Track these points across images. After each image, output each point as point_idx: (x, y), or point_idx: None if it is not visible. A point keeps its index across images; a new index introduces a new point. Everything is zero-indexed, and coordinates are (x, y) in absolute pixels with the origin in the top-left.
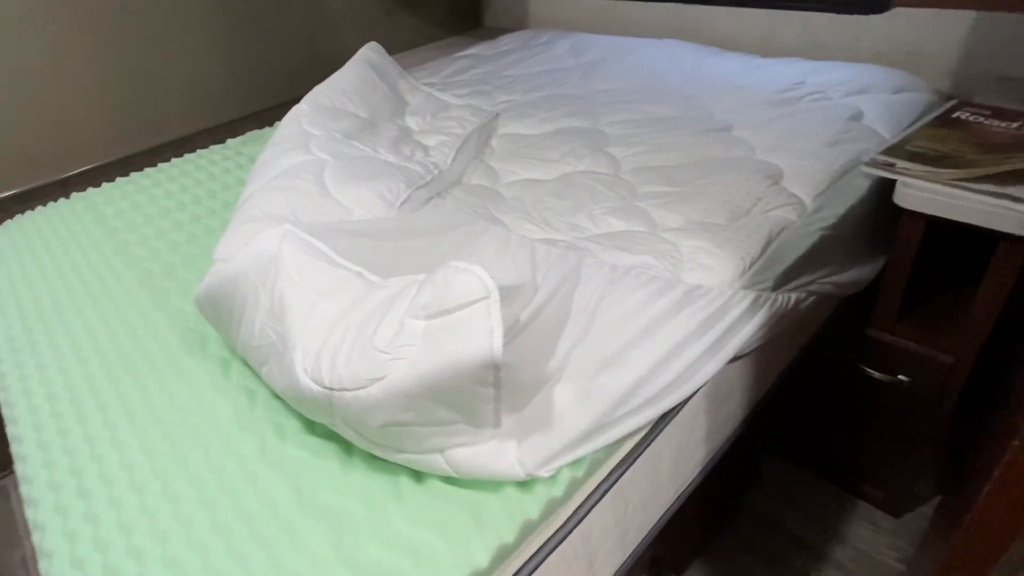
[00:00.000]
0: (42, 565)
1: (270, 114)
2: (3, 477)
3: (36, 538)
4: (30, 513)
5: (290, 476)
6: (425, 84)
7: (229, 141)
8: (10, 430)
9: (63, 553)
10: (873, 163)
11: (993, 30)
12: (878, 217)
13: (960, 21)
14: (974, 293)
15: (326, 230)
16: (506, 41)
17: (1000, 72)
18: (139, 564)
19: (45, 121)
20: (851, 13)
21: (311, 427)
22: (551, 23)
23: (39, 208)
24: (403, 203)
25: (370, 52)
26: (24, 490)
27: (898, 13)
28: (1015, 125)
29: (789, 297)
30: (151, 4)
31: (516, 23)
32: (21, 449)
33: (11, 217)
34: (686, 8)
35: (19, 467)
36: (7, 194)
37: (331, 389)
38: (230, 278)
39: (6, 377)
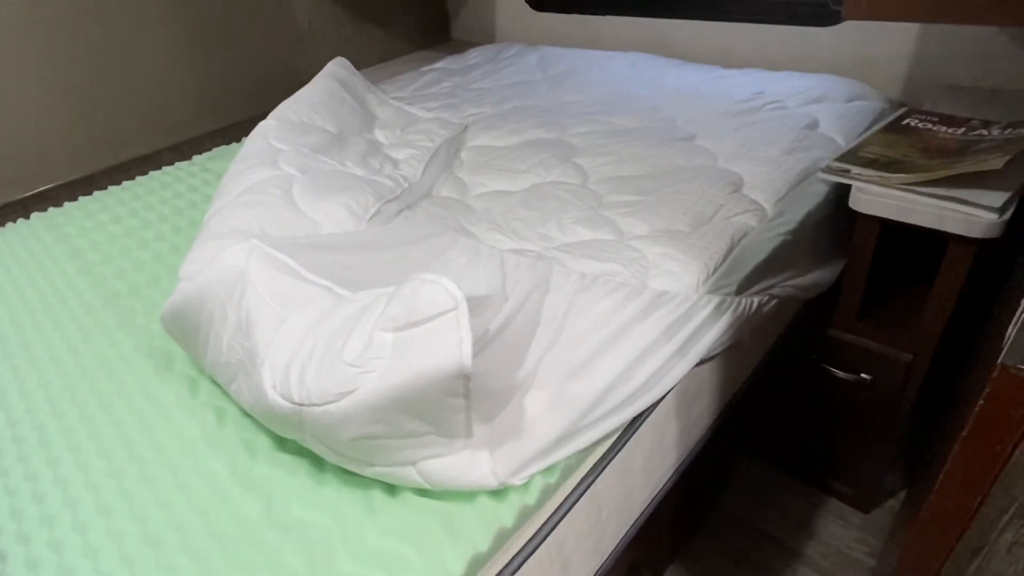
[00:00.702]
0: None
1: (236, 129)
2: None
3: None
4: None
5: (261, 493)
6: (394, 98)
7: (195, 157)
8: None
9: None
10: (829, 169)
11: (940, 40)
12: (836, 221)
13: (908, 32)
14: (928, 292)
15: (294, 245)
16: (474, 54)
17: (947, 80)
18: None
19: (3, 139)
20: (807, 25)
21: (282, 444)
22: (518, 37)
23: None
24: (372, 216)
25: (337, 67)
26: None
27: (849, 25)
28: (961, 131)
29: (752, 301)
30: (114, 18)
31: (484, 37)
32: None
33: None
34: (649, 23)
35: None
36: None
37: (300, 404)
38: (196, 295)
39: None
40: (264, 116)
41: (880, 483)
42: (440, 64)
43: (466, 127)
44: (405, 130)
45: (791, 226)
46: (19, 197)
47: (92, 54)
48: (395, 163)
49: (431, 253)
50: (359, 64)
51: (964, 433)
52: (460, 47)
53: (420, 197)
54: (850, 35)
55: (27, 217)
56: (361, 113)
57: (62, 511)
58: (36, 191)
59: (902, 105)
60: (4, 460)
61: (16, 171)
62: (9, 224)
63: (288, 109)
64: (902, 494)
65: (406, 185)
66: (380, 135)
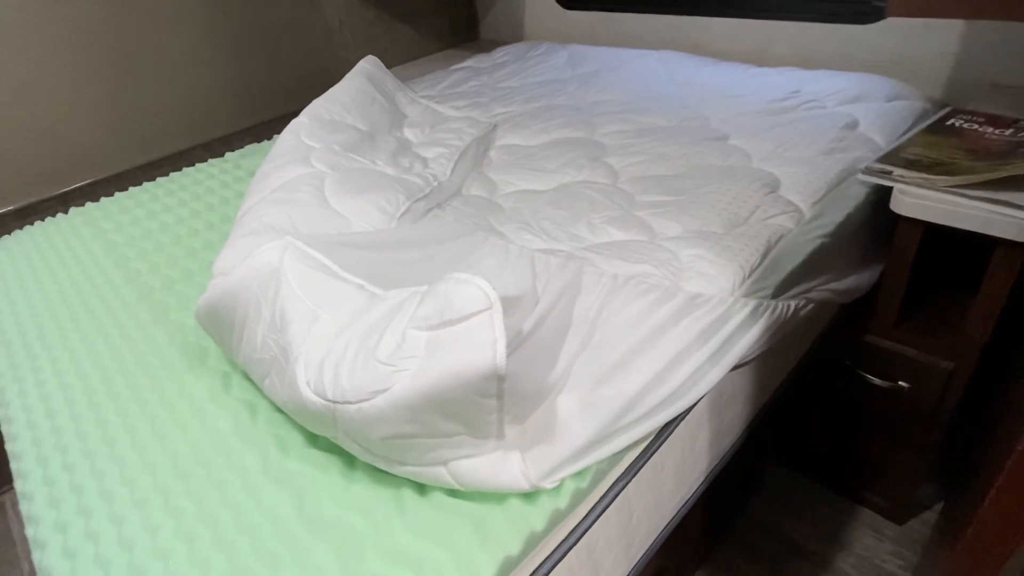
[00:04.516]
0: None
1: (269, 127)
2: (3, 493)
3: (36, 556)
4: (30, 531)
5: (292, 490)
6: (423, 96)
7: (228, 155)
8: (9, 447)
9: (63, 571)
10: (869, 170)
11: (984, 38)
12: (875, 224)
13: (952, 29)
14: (972, 298)
15: (327, 242)
16: (503, 53)
17: (993, 79)
18: None
19: (43, 136)
20: (846, 23)
21: (313, 440)
22: (547, 35)
23: (38, 223)
24: (402, 215)
25: (368, 65)
26: (24, 507)
27: (890, 22)
28: (1008, 132)
29: (789, 305)
30: (150, 18)
31: (512, 35)
32: (21, 466)
33: (9, 232)
34: (681, 20)
35: (19, 484)
36: (6, 209)
37: (334, 402)
38: (231, 291)
39: (5, 393)
40: (296, 114)
41: (915, 494)
42: (468, 63)
43: (495, 126)
44: (434, 129)
45: (829, 228)
46: (58, 192)
47: (129, 54)
48: (425, 162)
49: (461, 252)
50: (388, 63)
51: (1021, 447)
52: (488, 46)
53: (449, 196)
54: (891, 33)
55: (66, 212)
56: (391, 111)
57: (98, 503)
58: (74, 186)
59: (945, 105)
60: (43, 450)
61: (56, 167)
62: (48, 219)
63: (320, 107)
64: (938, 506)
65: (435, 184)
66: (410, 133)
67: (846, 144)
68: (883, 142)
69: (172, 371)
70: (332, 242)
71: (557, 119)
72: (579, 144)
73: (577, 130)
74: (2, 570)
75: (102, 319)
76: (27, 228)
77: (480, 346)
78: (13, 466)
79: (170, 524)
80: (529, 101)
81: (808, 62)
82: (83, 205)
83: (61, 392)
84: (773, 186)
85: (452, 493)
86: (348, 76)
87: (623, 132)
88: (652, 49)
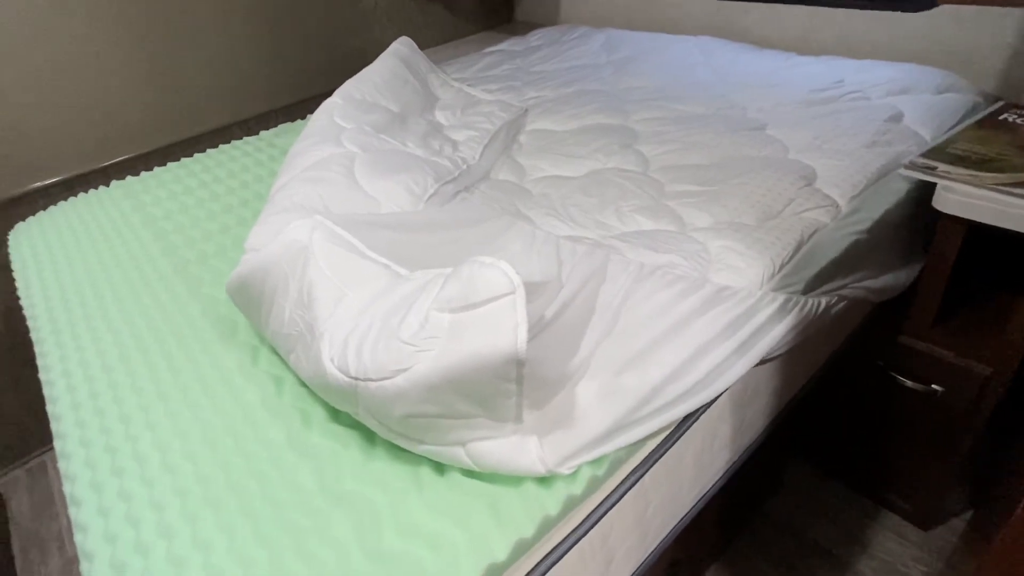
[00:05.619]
0: (78, 538)
1: (302, 107)
2: (43, 453)
3: (72, 512)
4: (67, 488)
5: (315, 463)
6: (455, 79)
7: (262, 133)
8: (50, 408)
9: (97, 528)
10: (913, 166)
11: None
12: (915, 221)
13: (1007, 20)
14: (1015, 301)
15: (355, 221)
16: (537, 36)
17: None
18: (169, 542)
19: (88, 112)
20: (896, 10)
21: (336, 416)
22: (583, 19)
23: (81, 195)
24: (430, 197)
25: (401, 46)
26: (62, 465)
27: (942, 10)
28: None
29: (820, 301)
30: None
31: (547, 18)
32: (60, 427)
33: (56, 203)
34: (722, 5)
35: (58, 444)
36: (52, 181)
37: (356, 379)
38: (261, 267)
39: (47, 357)
40: (329, 94)
41: (943, 500)
42: (502, 46)
43: (526, 110)
44: (465, 111)
45: (867, 224)
46: (100, 165)
47: (169, 34)
48: (455, 144)
49: (487, 236)
50: (422, 44)
51: None
52: (523, 28)
53: (478, 180)
54: (943, 23)
55: (107, 184)
56: (423, 93)
57: (131, 464)
58: (115, 160)
59: (998, 99)
60: (81, 413)
61: (99, 141)
62: (92, 190)
63: (353, 88)
64: (967, 514)
65: (464, 167)
66: (441, 116)
67: (890, 137)
68: (929, 136)
69: (204, 343)
70: (360, 222)
71: (590, 104)
72: (611, 130)
73: (610, 116)
74: (43, 523)
75: (139, 289)
76: (71, 199)
77: (502, 330)
78: (53, 427)
79: (198, 490)
80: (562, 86)
81: (853, 51)
82: (124, 178)
83: (99, 359)
84: (810, 179)
85: (469, 474)
86: (382, 57)
87: (657, 119)
88: (691, 35)
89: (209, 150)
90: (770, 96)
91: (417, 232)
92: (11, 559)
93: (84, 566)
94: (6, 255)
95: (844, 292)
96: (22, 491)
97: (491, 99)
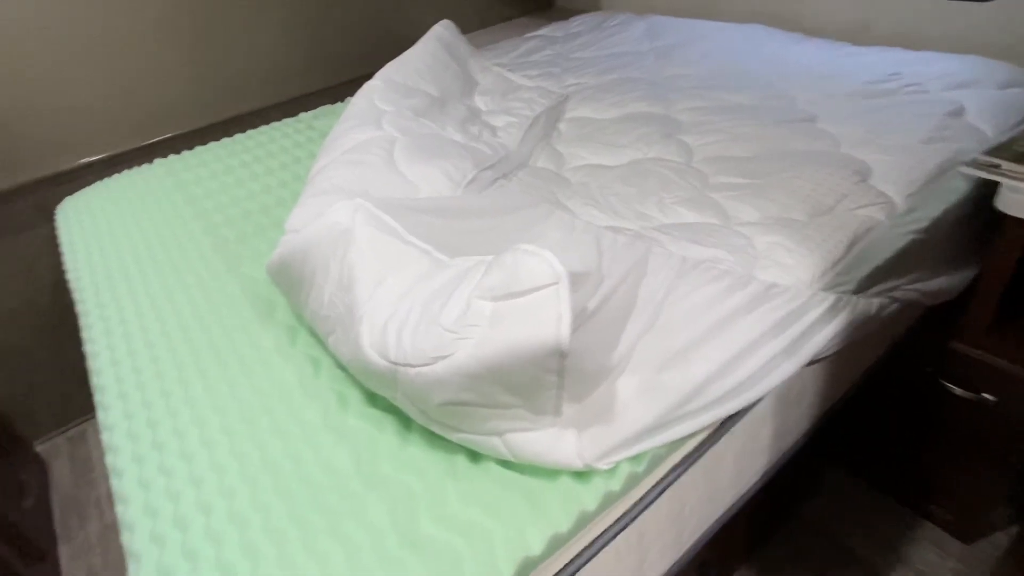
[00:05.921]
0: (119, 509)
1: (342, 89)
2: (84, 421)
3: (114, 483)
4: (109, 459)
5: (351, 445)
6: (495, 64)
7: (302, 115)
8: (94, 380)
9: (138, 500)
10: (975, 163)
11: None
12: (975, 222)
13: None
14: None
15: (396, 206)
16: (578, 22)
17: None
18: (207, 517)
19: (131, 91)
20: (958, 0)
21: (372, 399)
22: (625, 5)
23: (124, 172)
24: (469, 183)
25: (443, 30)
26: (105, 437)
27: (1010, 0)
28: None
29: (871, 302)
30: None
31: (589, 4)
32: (104, 399)
33: (100, 179)
34: None
35: (101, 415)
36: (97, 158)
37: (396, 364)
38: (302, 248)
39: (92, 330)
40: (368, 77)
41: (987, 514)
42: (543, 31)
43: (566, 97)
44: (505, 97)
45: (923, 224)
46: (144, 143)
47: (211, 15)
48: (493, 130)
49: (525, 224)
50: (463, 29)
51: None
52: (564, 14)
53: (516, 166)
54: (1012, 13)
55: (151, 162)
56: (463, 78)
57: (171, 439)
58: (159, 139)
59: None
60: (124, 387)
61: (143, 120)
62: (136, 168)
63: (393, 71)
64: (1012, 529)
65: (503, 153)
66: (480, 101)
67: (949, 133)
68: (992, 133)
69: (243, 321)
70: (401, 206)
71: (631, 93)
72: (653, 119)
73: (652, 105)
74: (82, 489)
75: (180, 267)
76: (115, 176)
77: (545, 320)
78: (97, 398)
79: (235, 466)
80: (603, 73)
81: (912, 42)
82: (166, 157)
83: (142, 334)
84: (863, 174)
85: (505, 464)
86: (422, 40)
87: (701, 109)
88: (740, 22)
89: (249, 131)
90: (821, 87)
91: (455, 218)
92: (51, 523)
93: (125, 536)
94: (53, 229)
95: (896, 294)
96: (63, 457)
97: (531, 85)
